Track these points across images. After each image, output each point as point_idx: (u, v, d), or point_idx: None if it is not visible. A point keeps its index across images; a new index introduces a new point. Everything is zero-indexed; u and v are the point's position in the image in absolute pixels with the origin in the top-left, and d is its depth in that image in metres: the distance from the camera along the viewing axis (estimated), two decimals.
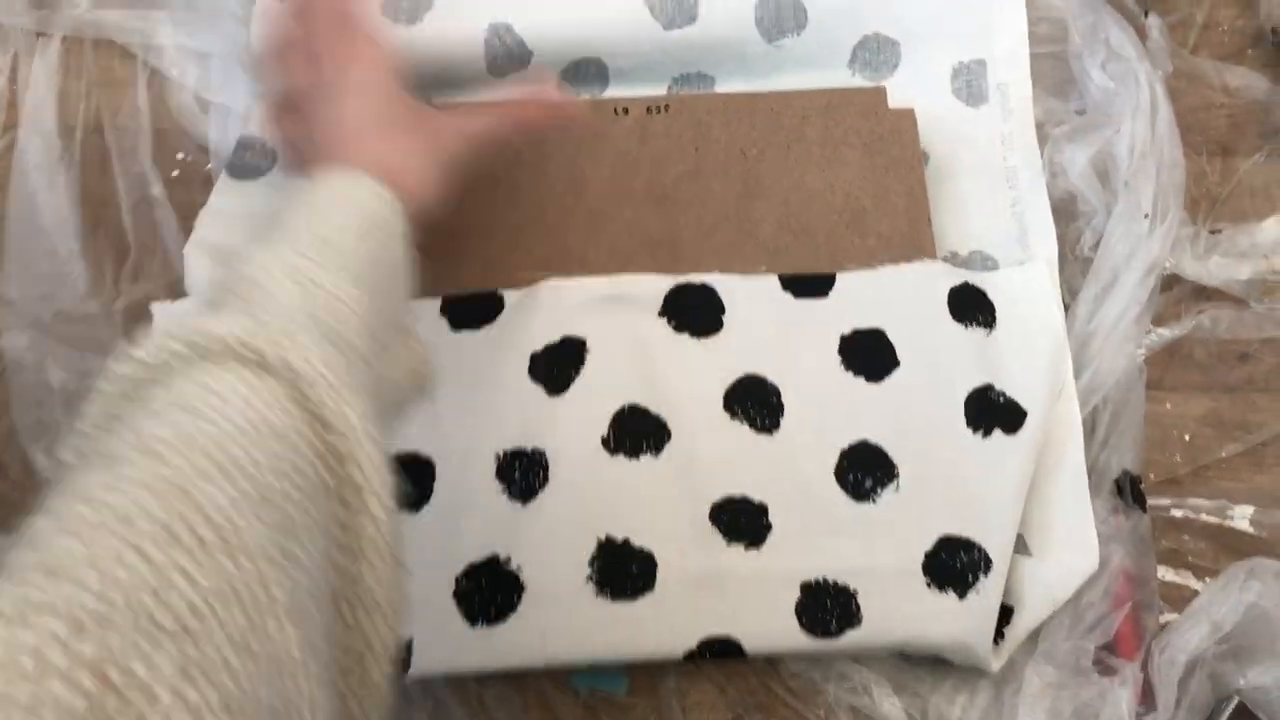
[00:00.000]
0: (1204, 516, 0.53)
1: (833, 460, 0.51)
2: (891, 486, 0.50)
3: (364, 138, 0.45)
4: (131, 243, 0.57)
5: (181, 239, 0.56)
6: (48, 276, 0.55)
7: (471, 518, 0.50)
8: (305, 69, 0.48)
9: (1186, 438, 0.55)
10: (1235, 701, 0.48)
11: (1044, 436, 0.51)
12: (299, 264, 0.37)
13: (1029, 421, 0.51)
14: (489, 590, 0.49)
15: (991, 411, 0.51)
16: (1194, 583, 0.52)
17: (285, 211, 0.40)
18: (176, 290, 0.56)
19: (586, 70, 0.60)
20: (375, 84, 0.47)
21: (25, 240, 0.56)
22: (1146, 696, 0.48)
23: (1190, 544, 0.53)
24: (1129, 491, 0.52)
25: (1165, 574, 0.52)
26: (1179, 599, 0.52)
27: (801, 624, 0.48)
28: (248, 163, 0.57)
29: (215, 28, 0.59)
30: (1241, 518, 0.53)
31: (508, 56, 0.58)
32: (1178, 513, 0.53)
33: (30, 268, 0.55)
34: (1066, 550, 0.50)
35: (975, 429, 0.51)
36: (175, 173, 0.58)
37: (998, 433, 0.51)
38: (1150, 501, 0.53)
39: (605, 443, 0.51)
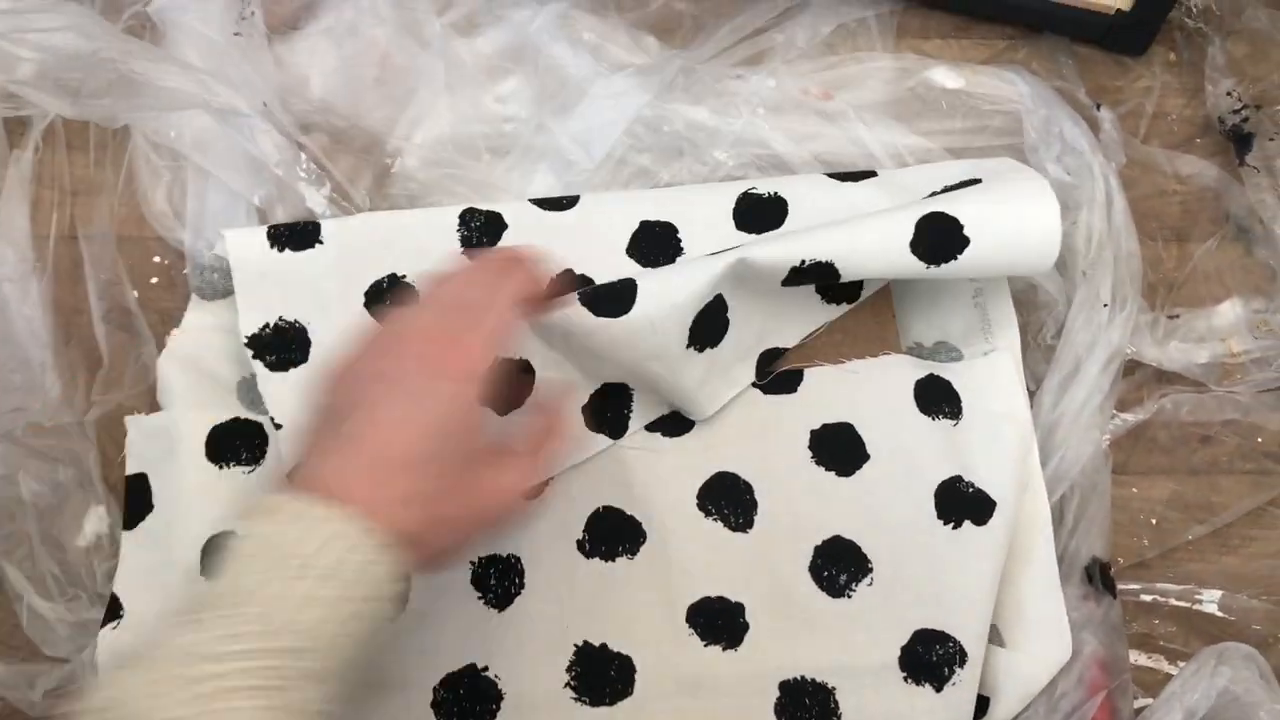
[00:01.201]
0: (1173, 601, 0.54)
1: (807, 557, 0.51)
2: (865, 581, 0.51)
3: (398, 474, 0.38)
4: (104, 352, 0.57)
5: (155, 348, 0.56)
6: (20, 388, 0.55)
7: (448, 626, 0.50)
8: (390, 340, 0.42)
9: (1153, 521, 0.56)
10: None
11: (1013, 526, 0.52)
12: (264, 671, 0.34)
13: (999, 511, 0.52)
14: (467, 699, 0.49)
15: (961, 503, 0.52)
16: (1166, 666, 0.53)
17: (260, 548, 0.36)
18: (150, 398, 0.56)
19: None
20: (456, 410, 0.40)
21: None
22: None
23: (1161, 628, 0.54)
24: (1099, 578, 0.53)
25: (1138, 658, 0.53)
26: (1152, 683, 0.52)
27: None
28: (215, 284, 0.57)
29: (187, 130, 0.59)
30: (1210, 601, 0.54)
31: None
32: (1147, 597, 0.54)
33: (3, 379, 0.55)
34: (1040, 640, 0.51)
35: (946, 521, 0.52)
36: (154, 279, 0.59)
37: (968, 524, 0.52)
38: (1120, 586, 0.54)
39: (580, 546, 0.51)
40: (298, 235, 0.56)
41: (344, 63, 0.61)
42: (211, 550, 0.51)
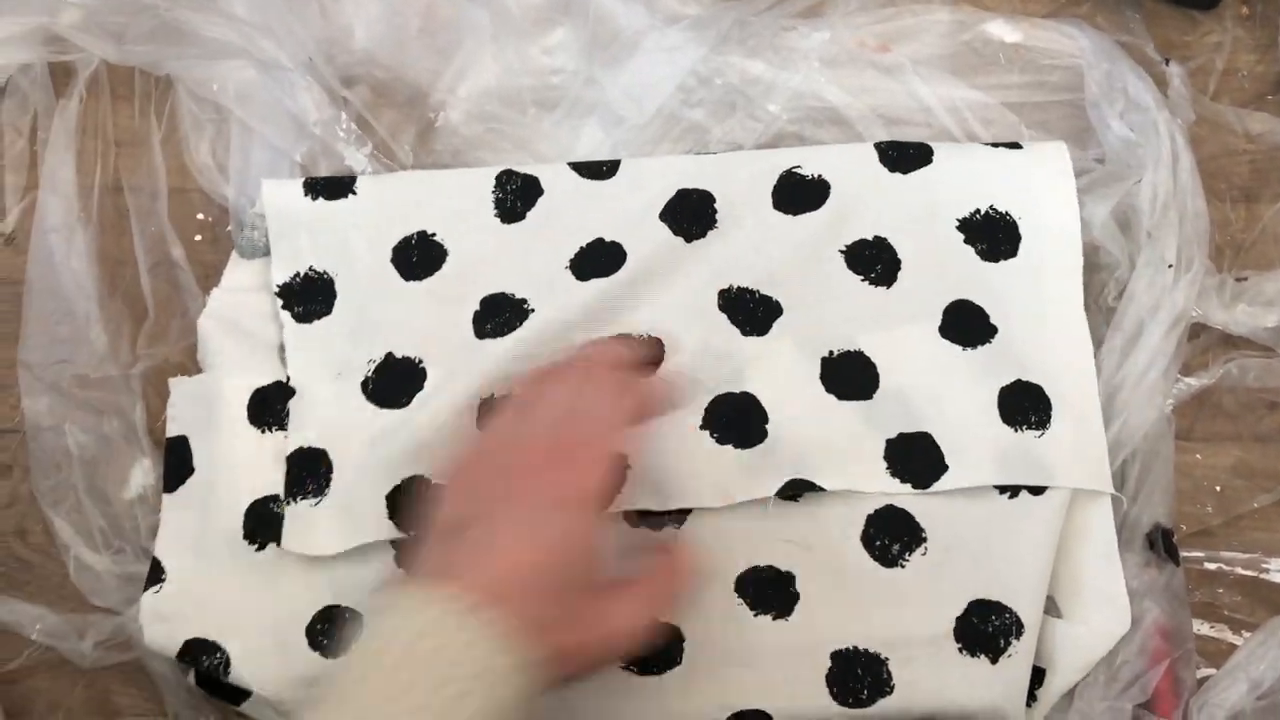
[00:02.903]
0: (1239, 570, 0.52)
1: (859, 526, 0.50)
2: (919, 551, 0.50)
3: (518, 600, 0.38)
4: (150, 305, 0.56)
5: (201, 301, 0.56)
6: (66, 340, 0.55)
7: None
8: (504, 451, 0.43)
9: (1218, 488, 0.54)
10: None
11: (1071, 495, 0.51)
12: None
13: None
14: None
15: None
16: (1230, 636, 0.52)
17: (402, 655, 0.36)
18: (195, 355, 0.55)
19: None
20: (574, 540, 0.40)
21: (44, 304, 0.56)
22: None
23: (1225, 597, 0.52)
24: (1161, 545, 0.51)
25: (1201, 628, 0.52)
26: (1216, 653, 0.51)
27: (833, 694, 0.48)
28: (256, 242, 0.57)
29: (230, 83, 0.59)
30: (1277, 570, 0.52)
31: None
32: (1211, 565, 0.53)
33: (49, 331, 0.55)
34: (1098, 610, 0.50)
35: (1002, 491, 0.51)
36: (198, 236, 0.58)
37: (1025, 494, 0.50)
38: (1183, 554, 0.52)
39: (626, 516, 0.51)
40: (333, 186, 0.56)
41: (388, 12, 0.60)
42: (253, 516, 0.51)
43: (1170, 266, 0.55)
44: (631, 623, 0.42)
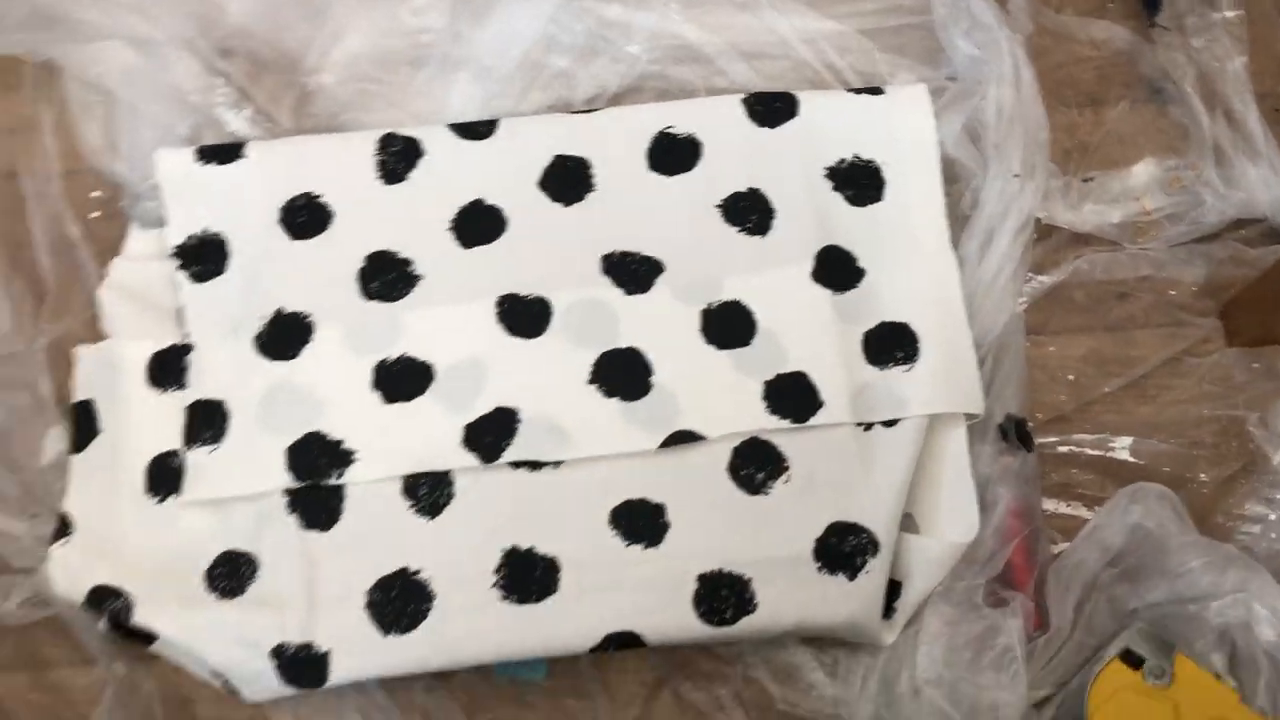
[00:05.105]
0: (1088, 450, 0.56)
1: (725, 458, 0.54)
2: (782, 479, 0.53)
3: None
4: (51, 282, 0.59)
5: (98, 276, 0.58)
6: None
7: (380, 533, 0.53)
8: None
9: (1071, 377, 0.58)
10: (1135, 627, 0.50)
11: (928, 420, 0.54)
12: None
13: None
14: (400, 600, 0.51)
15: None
16: (1085, 512, 0.55)
17: None
18: (97, 327, 0.58)
19: None
20: None
21: None
22: (1042, 621, 0.51)
23: (1078, 477, 0.56)
24: (1013, 433, 0.54)
25: (1058, 507, 0.55)
26: (1073, 529, 0.54)
27: (699, 614, 0.51)
28: (152, 212, 0.59)
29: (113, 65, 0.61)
30: (1122, 448, 0.56)
31: None
32: (1064, 449, 0.56)
33: None
34: (950, 524, 0.53)
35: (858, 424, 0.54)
36: (94, 214, 0.61)
37: (878, 427, 0.54)
38: (1039, 440, 0.55)
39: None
40: (224, 151, 0.59)
41: None
42: (154, 470, 0.54)
43: (1016, 176, 0.58)
44: None
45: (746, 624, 0.51)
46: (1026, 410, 0.55)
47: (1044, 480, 0.55)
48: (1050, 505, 0.55)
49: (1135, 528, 0.52)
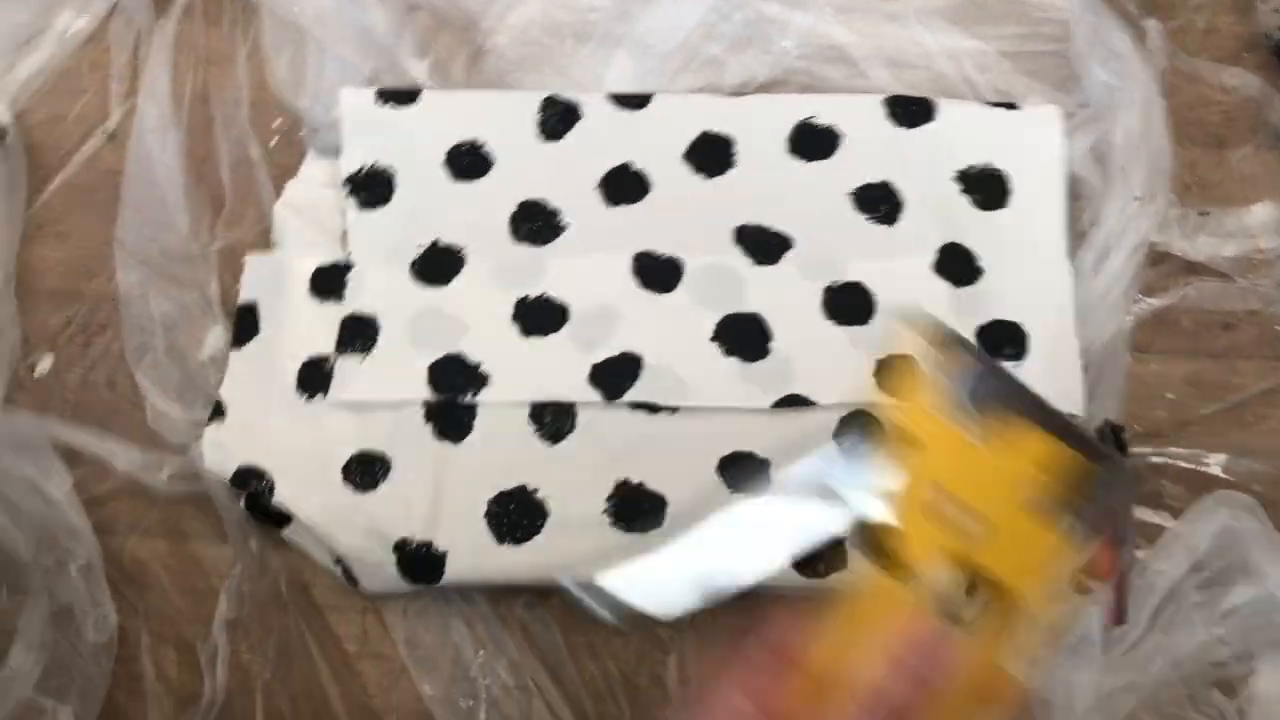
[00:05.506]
0: (1181, 463, 0.58)
1: (832, 425, 0.56)
2: None
3: None
4: (228, 196, 0.64)
5: (273, 195, 0.64)
6: (156, 223, 0.63)
7: (504, 450, 0.57)
8: None
9: (1170, 396, 0.60)
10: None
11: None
12: None
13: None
14: (517, 514, 0.55)
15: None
16: (1171, 522, 0.57)
17: None
18: (266, 238, 0.63)
19: None
20: None
21: (139, 192, 0.64)
22: (1120, 616, 0.53)
23: (1168, 488, 0.58)
24: (1110, 439, 0.57)
25: (1146, 515, 0.57)
26: (1158, 537, 0.56)
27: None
28: (329, 143, 0.64)
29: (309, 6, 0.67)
30: (1216, 464, 0.58)
31: None
32: (1157, 459, 0.58)
33: (142, 215, 0.63)
34: None
35: None
36: (274, 141, 0.66)
37: None
38: (1132, 450, 0.58)
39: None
40: (401, 95, 0.64)
41: None
42: (306, 370, 0.59)
43: (1137, 199, 0.61)
44: None
45: (837, 579, 0.54)
46: (1125, 420, 0.58)
47: (1136, 487, 0.57)
48: (1139, 513, 0.57)
49: (1221, 532, 0.54)
